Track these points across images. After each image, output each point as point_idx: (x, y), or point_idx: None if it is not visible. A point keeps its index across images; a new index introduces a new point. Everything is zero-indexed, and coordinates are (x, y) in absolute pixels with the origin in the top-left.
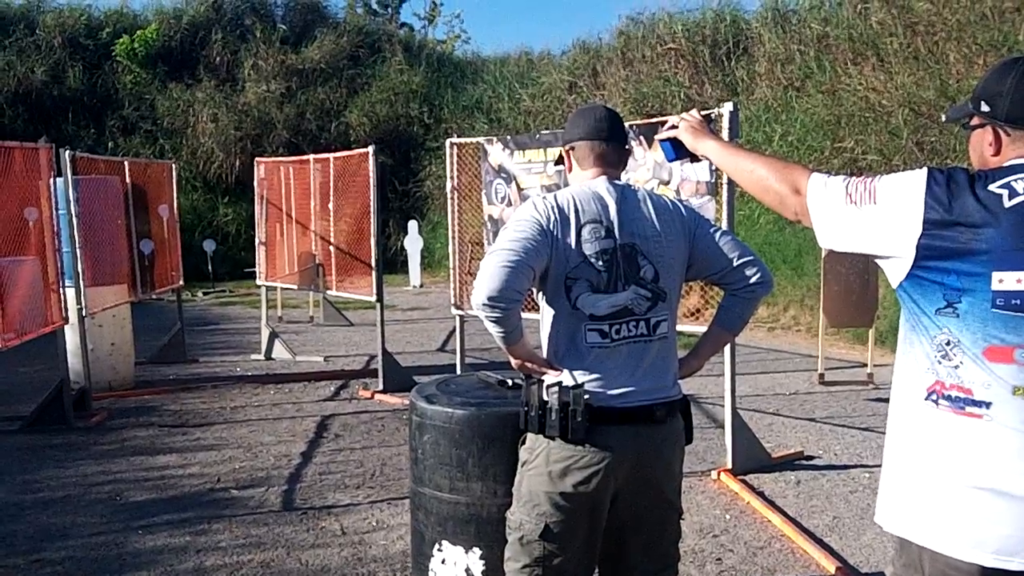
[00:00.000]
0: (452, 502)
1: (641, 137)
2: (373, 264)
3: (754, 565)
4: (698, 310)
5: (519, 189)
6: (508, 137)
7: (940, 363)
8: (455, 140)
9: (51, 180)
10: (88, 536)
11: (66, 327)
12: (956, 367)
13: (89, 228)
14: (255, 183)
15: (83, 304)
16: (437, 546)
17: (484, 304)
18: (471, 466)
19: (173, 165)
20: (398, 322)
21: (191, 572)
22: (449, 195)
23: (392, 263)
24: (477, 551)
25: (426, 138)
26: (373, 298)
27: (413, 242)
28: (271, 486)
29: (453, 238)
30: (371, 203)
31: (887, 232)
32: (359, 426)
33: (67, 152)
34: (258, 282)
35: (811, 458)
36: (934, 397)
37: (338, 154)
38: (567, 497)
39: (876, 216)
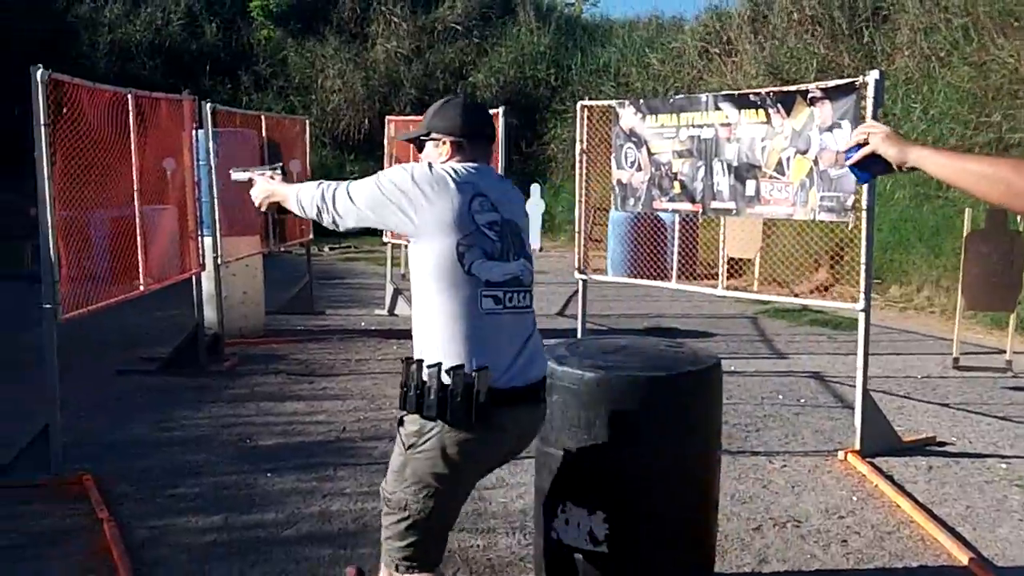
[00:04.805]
0: (578, 464)
1: (779, 105)
2: None
3: (881, 550)
4: (828, 286)
5: (650, 154)
6: (641, 101)
7: None
8: (586, 103)
9: (193, 132)
10: (220, 475)
11: (202, 275)
12: None
13: (226, 179)
14: (385, 141)
15: (219, 253)
16: (561, 507)
17: (331, 223)
18: (599, 428)
19: (307, 121)
20: None
21: (316, 516)
22: (578, 158)
23: None
24: (601, 514)
25: (552, 101)
26: None
27: (535, 205)
28: (394, 437)
29: (580, 202)
30: (499, 164)
31: None
32: None
33: (208, 105)
34: (384, 239)
35: (943, 444)
36: None
37: None
38: (458, 477)
39: None
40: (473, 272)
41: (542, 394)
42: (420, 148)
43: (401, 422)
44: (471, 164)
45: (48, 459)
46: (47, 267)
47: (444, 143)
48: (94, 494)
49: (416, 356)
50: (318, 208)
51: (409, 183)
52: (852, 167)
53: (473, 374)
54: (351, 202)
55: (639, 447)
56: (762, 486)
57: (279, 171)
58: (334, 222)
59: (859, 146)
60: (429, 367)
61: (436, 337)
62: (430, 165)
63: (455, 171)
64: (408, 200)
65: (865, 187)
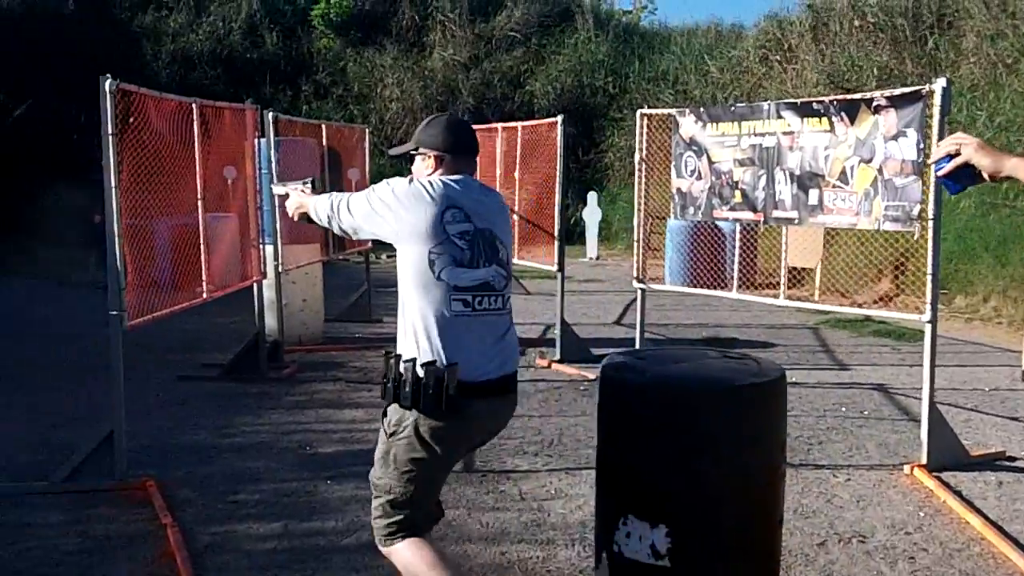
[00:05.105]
0: (640, 476)
1: (842, 113)
2: (556, 234)
3: (950, 567)
4: (891, 297)
5: (710, 163)
6: (701, 109)
7: None
8: (645, 111)
9: (255, 140)
10: (280, 482)
11: (263, 282)
12: None
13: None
14: None
15: (279, 261)
16: (623, 520)
17: (339, 231)
18: (661, 440)
19: (367, 130)
20: (574, 293)
21: None
22: (637, 167)
23: (569, 233)
24: (664, 527)
25: (609, 108)
26: (555, 268)
27: (592, 213)
28: None
29: (639, 210)
30: (557, 173)
31: None
32: (536, 394)
33: (270, 114)
34: None
35: (1014, 459)
36: None
37: (526, 123)
38: (436, 462)
39: None
40: (442, 278)
41: (512, 386)
42: (411, 162)
43: (385, 413)
44: (453, 177)
45: (113, 464)
46: (113, 275)
47: (429, 157)
48: (157, 499)
49: (397, 351)
50: (328, 218)
51: (391, 196)
52: (943, 179)
53: (444, 369)
54: (349, 213)
55: (702, 459)
56: (826, 500)
57: (309, 185)
58: (340, 229)
59: (949, 157)
60: (405, 362)
61: (412, 335)
62: (411, 180)
63: (432, 185)
64: (391, 211)
65: (931, 196)
